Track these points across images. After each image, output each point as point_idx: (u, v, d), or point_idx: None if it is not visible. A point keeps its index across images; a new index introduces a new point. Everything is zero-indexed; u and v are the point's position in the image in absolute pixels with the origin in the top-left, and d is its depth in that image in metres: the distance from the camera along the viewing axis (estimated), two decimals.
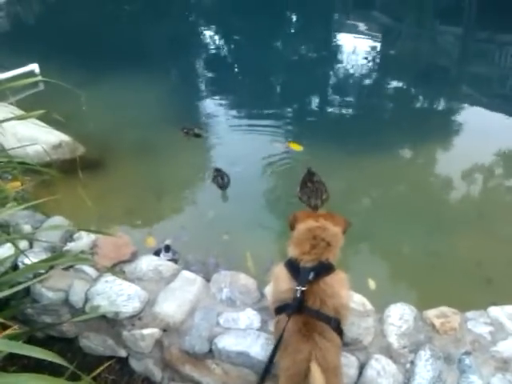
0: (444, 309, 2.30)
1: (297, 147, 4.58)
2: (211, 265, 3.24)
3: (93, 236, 2.56)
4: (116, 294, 2.24)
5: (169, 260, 3.03)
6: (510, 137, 4.94)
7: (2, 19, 7.63)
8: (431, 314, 2.28)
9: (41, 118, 4.22)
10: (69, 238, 2.57)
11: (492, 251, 3.38)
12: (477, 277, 3.19)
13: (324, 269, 1.88)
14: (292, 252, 1.96)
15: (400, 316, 2.23)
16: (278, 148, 4.61)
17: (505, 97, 6.13)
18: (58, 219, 2.67)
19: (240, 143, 4.71)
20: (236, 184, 4.02)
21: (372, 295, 2.72)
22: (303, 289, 1.80)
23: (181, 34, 7.31)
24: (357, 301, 2.27)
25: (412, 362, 2.04)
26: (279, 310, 1.87)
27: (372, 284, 3.01)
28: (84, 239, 2.54)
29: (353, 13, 8.44)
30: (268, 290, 2.29)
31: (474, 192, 4.24)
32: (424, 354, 2.05)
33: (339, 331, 1.84)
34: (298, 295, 1.78)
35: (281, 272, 1.94)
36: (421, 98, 6.13)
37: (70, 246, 2.50)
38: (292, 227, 2.07)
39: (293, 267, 1.90)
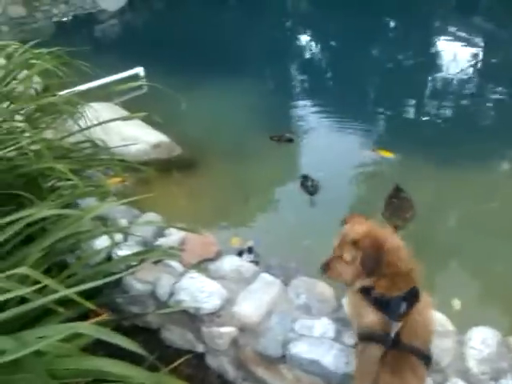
0: None
1: (388, 154, 4.50)
2: (291, 270, 3.27)
3: (182, 233, 2.71)
4: (198, 291, 2.35)
5: (250, 261, 3.13)
6: None
7: (114, 26, 8.21)
8: None
9: (143, 119, 4.52)
10: (160, 233, 2.74)
11: None
12: None
13: (414, 296, 1.77)
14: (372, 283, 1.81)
15: (482, 340, 2.13)
16: (369, 154, 4.55)
17: None
18: (151, 215, 2.85)
19: (329, 148, 4.70)
20: (322, 190, 4.04)
21: (456, 315, 2.63)
22: (399, 324, 1.70)
23: (276, 40, 7.44)
24: (438, 320, 2.20)
25: None
26: (365, 337, 1.79)
27: (457, 304, 2.90)
28: (174, 235, 2.70)
29: (454, 18, 8.10)
30: (345, 301, 2.29)
31: None
32: (506, 383, 1.95)
33: (428, 360, 1.77)
34: (394, 331, 1.69)
35: (360, 302, 1.84)
36: None
37: (161, 241, 2.67)
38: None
39: (378, 299, 1.77)
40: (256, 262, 3.17)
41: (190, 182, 4.14)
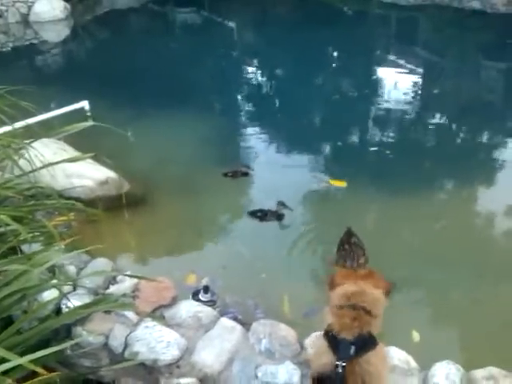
0: (493, 369, 2.20)
1: (341, 184, 4.54)
2: (250, 306, 3.21)
3: (135, 279, 2.59)
4: (155, 341, 2.25)
5: (207, 301, 3.05)
6: None
7: (57, 57, 8.01)
8: (479, 374, 2.18)
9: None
10: (112, 280, 2.61)
11: None
12: None
13: (365, 343, 1.78)
14: (330, 321, 1.87)
15: (445, 376, 2.14)
16: (322, 184, 4.57)
17: None
18: (101, 261, 2.72)
19: (283, 180, 4.66)
20: (277, 222, 4.01)
21: (416, 348, 2.64)
22: (343, 364, 1.72)
23: (224, 71, 7.48)
24: (401, 358, 2.19)
25: None
26: (317, 382, 1.81)
27: (416, 336, 2.90)
28: (126, 282, 2.58)
29: (395, 48, 8.46)
30: (308, 341, 2.25)
31: None
32: None
33: None
34: (340, 371, 1.71)
35: (321, 344, 1.87)
36: (465, 134, 6.00)
37: (113, 288, 2.54)
38: (331, 289, 2.00)
39: (332, 339, 1.81)
40: (213, 302, 3.10)
41: (141, 219, 4.00)
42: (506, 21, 9.75)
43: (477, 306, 3.22)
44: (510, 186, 4.60)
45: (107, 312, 2.41)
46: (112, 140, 4.63)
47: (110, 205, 3.93)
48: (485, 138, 5.81)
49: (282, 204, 4.02)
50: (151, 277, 2.57)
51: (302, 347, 2.28)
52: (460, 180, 4.76)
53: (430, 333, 2.99)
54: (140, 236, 3.82)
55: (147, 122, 5.36)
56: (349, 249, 3.54)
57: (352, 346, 1.75)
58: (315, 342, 1.93)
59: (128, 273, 2.53)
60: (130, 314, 2.39)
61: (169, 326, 2.36)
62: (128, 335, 2.29)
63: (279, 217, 4.03)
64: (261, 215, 4.07)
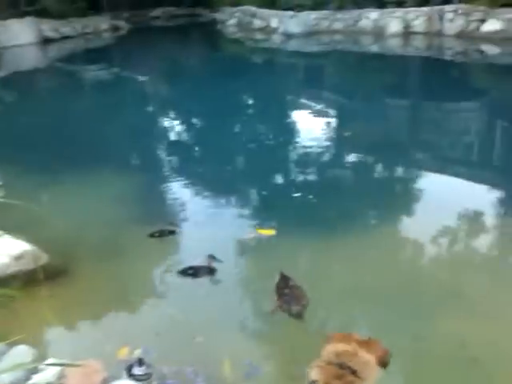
0: None
1: (269, 232, 4.52)
2: (189, 374, 3.04)
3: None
4: None
5: (143, 375, 2.85)
6: (469, 201, 5.00)
7: None
8: None
9: (1, 227, 4.06)
10: (34, 369, 2.38)
11: (473, 329, 3.32)
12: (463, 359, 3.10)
13: None
14: (315, 376, 1.80)
15: None
16: (251, 236, 4.52)
17: (456, 160, 6.34)
18: (20, 349, 2.48)
19: (211, 234, 4.56)
20: (209, 280, 3.89)
21: None
22: None
23: (140, 127, 7.40)
24: None
25: None
26: None
27: None
28: (50, 369, 2.35)
29: (305, 93, 8.83)
30: None
31: (449, 265, 4.20)
32: None
33: None
34: None
35: None
36: (379, 169, 6.26)
37: (36, 379, 2.31)
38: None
39: None
40: (149, 375, 2.91)
41: (63, 291, 3.73)
42: (403, 61, 10.56)
43: (420, 344, 3.24)
44: (428, 215, 4.80)
45: None
46: (26, 209, 4.35)
47: (28, 280, 3.66)
48: (397, 171, 6.10)
49: (212, 258, 3.94)
50: (79, 358, 2.37)
51: None
52: (382, 215, 4.91)
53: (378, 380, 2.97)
54: (63, 311, 3.54)
55: (63, 186, 5.14)
56: (290, 292, 3.54)
57: None
58: None
59: (51, 360, 2.31)
60: None
61: None
62: None
63: (211, 271, 3.93)
64: (192, 272, 3.94)
